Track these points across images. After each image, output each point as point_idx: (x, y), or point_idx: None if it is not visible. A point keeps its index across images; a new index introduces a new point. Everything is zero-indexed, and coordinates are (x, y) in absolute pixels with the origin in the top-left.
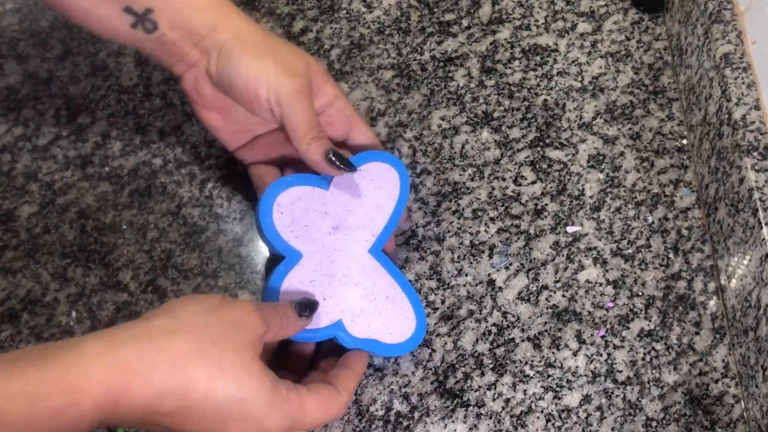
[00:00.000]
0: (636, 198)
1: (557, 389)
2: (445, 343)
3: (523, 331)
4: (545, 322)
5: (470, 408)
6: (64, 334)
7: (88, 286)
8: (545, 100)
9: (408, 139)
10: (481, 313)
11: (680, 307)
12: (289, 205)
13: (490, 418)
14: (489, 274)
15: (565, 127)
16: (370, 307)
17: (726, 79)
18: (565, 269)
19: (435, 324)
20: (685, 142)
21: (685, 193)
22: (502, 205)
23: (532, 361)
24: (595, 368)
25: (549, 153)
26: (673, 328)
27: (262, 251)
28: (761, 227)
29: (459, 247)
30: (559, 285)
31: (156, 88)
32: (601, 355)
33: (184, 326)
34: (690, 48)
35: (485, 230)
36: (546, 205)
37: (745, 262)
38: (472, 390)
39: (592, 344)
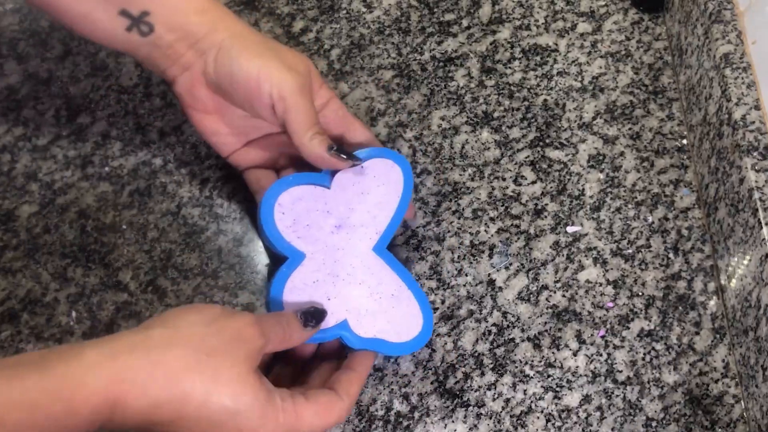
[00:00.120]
0: (636, 198)
1: (557, 389)
2: (445, 343)
3: (523, 331)
4: (545, 322)
5: (470, 408)
6: (64, 334)
7: (88, 286)
8: (545, 100)
9: (408, 139)
10: (481, 313)
11: (680, 307)
12: (291, 204)
13: (490, 418)
14: (489, 274)
15: (565, 127)
16: (376, 306)
17: (726, 79)
18: (565, 269)
19: (435, 324)
20: (685, 142)
21: (685, 193)
22: (502, 205)
23: (532, 361)
24: (595, 368)
25: (549, 153)
26: (673, 328)
27: (262, 251)
28: (761, 227)
29: (459, 247)
30: (559, 285)
31: (156, 88)
32: (601, 355)
33: (182, 338)
34: (690, 48)
35: (485, 230)
36: (546, 205)
37: (745, 262)
38: (472, 390)
39: (592, 344)
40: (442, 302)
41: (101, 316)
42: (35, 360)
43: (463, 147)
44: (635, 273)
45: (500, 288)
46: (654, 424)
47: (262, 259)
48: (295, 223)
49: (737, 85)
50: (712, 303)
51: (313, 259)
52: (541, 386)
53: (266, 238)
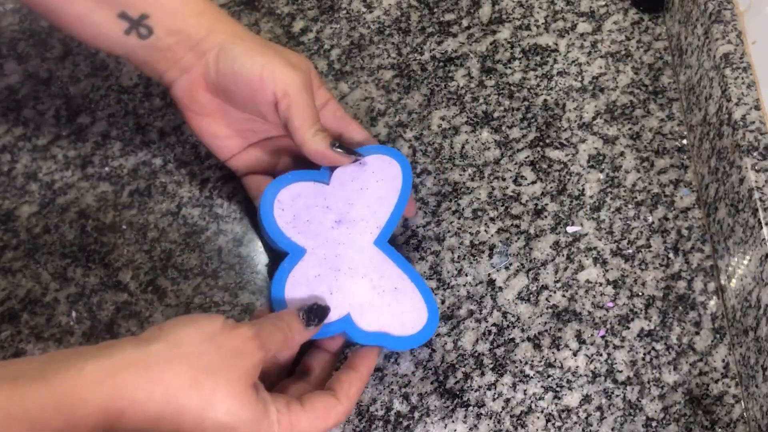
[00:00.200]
0: (636, 198)
1: (557, 389)
2: (445, 343)
3: (523, 331)
4: (545, 322)
5: (470, 408)
6: (64, 334)
7: (88, 286)
8: (545, 100)
9: (408, 139)
10: (481, 313)
11: (680, 307)
12: (290, 201)
13: (490, 418)
14: (489, 274)
15: (565, 127)
16: (379, 300)
17: (726, 79)
18: (565, 269)
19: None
20: (685, 142)
21: (685, 193)
22: (502, 205)
23: (532, 361)
24: (595, 368)
25: (549, 153)
26: (673, 328)
27: (262, 251)
28: (761, 227)
29: (459, 247)
30: (559, 285)
31: (156, 88)
32: (601, 355)
33: (181, 355)
34: (690, 48)
35: (485, 230)
36: (546, 205)
37: (745, 262)
38: (472, 390)
39: (592, 344)
40: (442, 302)
41: (101, 316)
42: (35, 373)
43: (463, 147)
44: (635, 273)
45: (500, 288)
46: (654, 424)
47: (262, 259)
48: (294, 219)
49: (737, 85)
50: (712, 303)
51: (314, 254)
52: (541, 386)
53: (266, 235)
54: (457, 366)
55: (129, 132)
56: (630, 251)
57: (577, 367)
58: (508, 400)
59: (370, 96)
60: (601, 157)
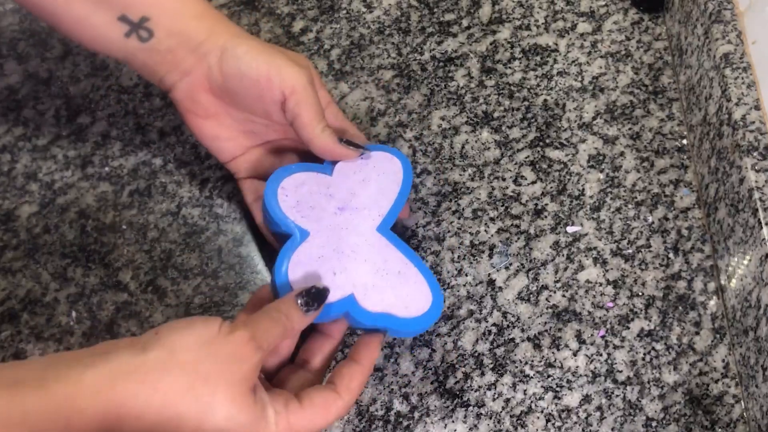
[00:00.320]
0: (636, 198)
1: (557, 389)
2: (445, 343)
3: (523, 331)
4: (545, 322)
5: (470, 408)
6: (64, 334)
7: (88, 286)
8: (545, 100)
9: (408, 139)
10: (481, 313)
11: (680, 307)
12: (294, 188)
13: (490, 418)
14: (489, 274)
15: (565, 127)
16: (383, 282)
17: (726, 79)
18: (565, 269)
19: (435, 324)
20: (685, 142)
21: (685, 193)
22: (502, 205)
23: (532, 361)
24: (595, 368)
25: (549, 153)
26: (673, 328)
27: (262, 251)
28: (761, 227)
29: (459, 247)
30: (559, 285)
31: (156, 88)
32: (601, 355)
33: (178, 363)
34: (690, 48)
35: (485, 230)
36: (546, 205)
37: (745, 262)
38: (472, 390)
39: (592, 344)
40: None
41: (101, 316)
42: (34, 379)
43: (463, 147)
44: (635, 273)
45: (500, 288)
46: (654, 424)
47: (261, 260)
48: (298, 204)
49: (737, 85)
50: (712, 303)
51: (317, 237)
52: (541, 386)
53: (270, 219)
54: (457, 366)
55: (129, 132)
56: (630, 251)
57: (577, 367)
58: (508, 400)
59: (370, 96)
60: (601, 157)
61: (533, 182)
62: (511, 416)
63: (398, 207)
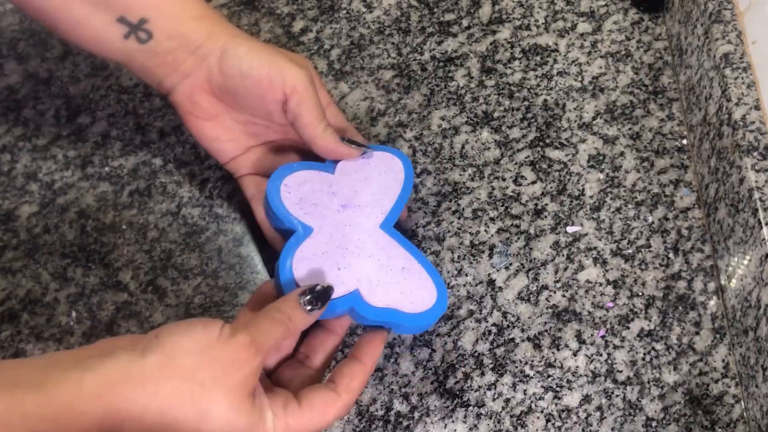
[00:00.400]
0: (636, 198)
1: (557, 389)
2: (445, 343)
3: (523, 331)
4: (545, 322)
5: (470, 408)
6: (64, 334)
7: (88, 286)
8: (545, 100)
9: (408, 139)
10: (481, 313)
11: (680, 307)
12: (297, 186)
13: (490, 418)
14: (489, 274)
15: (565, 127)
16: (387, 278)
17: (726, 79)
18: (565, 269)
19: (435, 324)
20: (685, 142)
21: (685, 193)
22: (502, 205)
23: (532, 361)
24: (595, 368)
25: (549, 153)
26: (673, 328)
27: (262, 251)
28: (761, 227)
29: (459, 247)
30: (559, 285)
31: None
32: (601, 355)
33: (177, 369)
34: (690, 48)
35: (485, 230)
36: (546, 205)
37: (745, 262)
38: (472, 390)
39: (592, 344)
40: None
41: (101, 316)
42: (34, 382)
43: (463, 147)
44: (635, 273)
45: (500, 288)
46: (654, 424)
47: (262, 259)
48: (301, 201)
49: (737, 85)
50: (712, 303)
51: (321, 233)
52: (541, 386)
53: (273, 215)
54: (457, 366)
55: (129, 132)
56: (630, 251)
57: (577, 367)
58: (508, 400)
59: (370, 96)
60: (601, 157)
61: (533, 182)
62: (511, 416)
63: (400, 205)
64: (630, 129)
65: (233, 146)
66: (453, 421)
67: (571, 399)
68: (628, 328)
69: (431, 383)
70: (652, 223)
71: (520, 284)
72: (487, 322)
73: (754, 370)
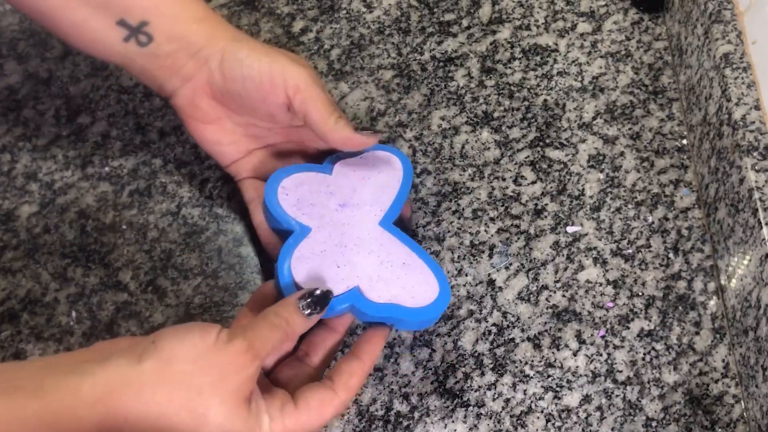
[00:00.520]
0: (636, 198)
1: (557, 389)
2: (445, 343)
3: (523, 331)
4: (545, 322)
5: (470, 408)
6: (64, 334)
7: (88, 286)
8: (545, 100)
9: (408, 139)
10: (481, 313)
11: (680, 307)
12: (294, 187)
13: (490, 418)
14: (489, 274)
15: (565, 127)
16: (388, 273)
17: (726, 79)
18: (565, 269)
19: (435, 324)
20: (685, 142)
21: (685, 193)
22: (502, 205)
23: (532, 361)
24: (595, 368)
25: (549, 153)
26: (673, 328)
27: (262, 251)
28: (761, 227)
29: (459, 247)
30: (559, 285)
31: None
32: (601, 355)
33: (173, 375)
34: (690, 48)
35: (485, 230)
36: (546, 205)
37: (745, 262)
38: (472, 390)
39: (592, 344)
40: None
41: (101, 316)
42: (32, 387)
43: (463, 147)
44: (635, 273)
45: (500, 288)
46: (654, 424)
47: (261, 260)
48: (299, 202)
49: (737, 85)
50: (712, 303)
51: (319, 232)
52: (541, 386)
53: (271, 217)
54: (457, 366)
55: (129, 132)
56: (630, 251)
57: (577, 367)
58: (508, 400)
59: (370, 96)
60: (601, 157)
61: (533, 182)
62: (511, 416)
63: (399, 203)
64: (630, 129)
65: (234, 149)
66: (453, 421)
67: (571, 399)
68: (628, 328)
69: (431, 383)
70: (652, 223)
71: (520, 284)
72: (487, 322)
73: (754, 370)
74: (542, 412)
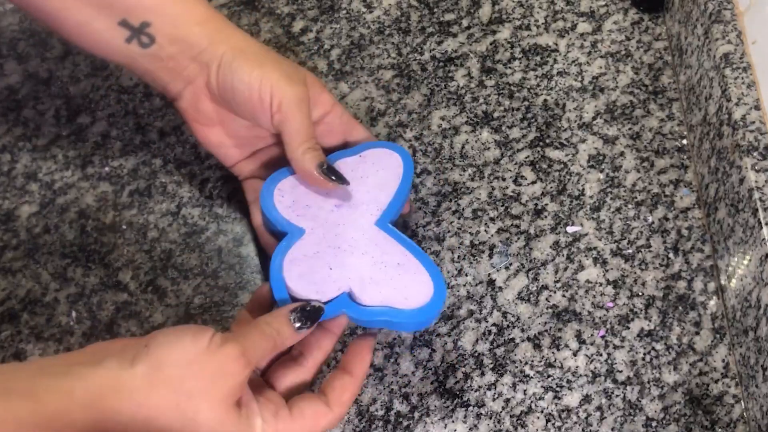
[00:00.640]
0: (636, 198)
1: (557, 389)
2: (445, 343)
3: (523, 331)
4: (545, 322)
5: (470, 408)
6: (64, 334)
7: (88, 286)
8: (545, 100)
9: (408, 139)
10: (481, 313)
11: (680, 307)
12: (290, 189)
13: (490, 418)
14: (489, 274)
15: (565, 127)
16: (381, 274)
17: (726, 79)
18: (565, 269)
19: (435, 324)
20: (685, 142)
21: (685, 193)
22: (502, 205)
23: (532, 361)
24: (595, 368)
25: (549, 153)
26: (673, 328)
27: (262, 251)
28: (761, 227)
29: (459, 247)
30: (559, 285)
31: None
32: (601, 355)
33: (164, 379)
34: (690, 48)
35: (485, 230)
36: (546, 205)
37: (745, 262)
38: (472, 390)
39: (592, 344)
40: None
41: (101, 316)
42: (26, 389)
43: (463, 147)
44: (635, 273)
45: (500, 288)
46: (654, 424)
47: (262, 259)
48: (294, 204)
49: (737, 85)
50: (712, 303)
51: (313, 234)
52: (541, 386)
53: (266, 219)
54: (457, 366)
55: (129, 132)
56: (630, 251)
57: (577, 367)
58: (508, 400)
59: (370, 96)
60: (601, 157)
61: (533, 182)
62: (511, 416)
63: (398, 201)
64: (630, 129)
65: (237, 151)
66: (453, 421)
67: (571, 399)
68: (628, 328)
69: (431, 383)
70: (652, 223)
71: (520, 284)
72: (487, 322)
73: (754, 370)
74: (542, 412)
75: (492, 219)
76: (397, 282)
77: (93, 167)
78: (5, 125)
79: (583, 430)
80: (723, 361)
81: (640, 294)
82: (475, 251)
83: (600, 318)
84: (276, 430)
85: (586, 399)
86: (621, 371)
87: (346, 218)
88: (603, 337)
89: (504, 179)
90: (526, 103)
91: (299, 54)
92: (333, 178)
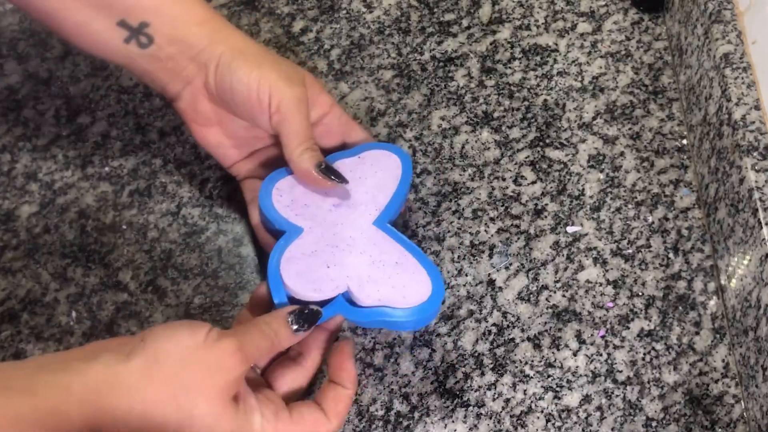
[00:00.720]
0: (636, 198)
1: (557, 389)
2: (445, 343)
3: (523, 331)
4: (545, 322)
5: (470, 408)
6: (64, 334)
7: (88, 286)
8: (545, 100)
9: (408, 139)
10: (481, 313)
11: (680, 307)
12: (289, 188)
13: (490, 418)
14: (489, 274)
15: (565, 127)
16: (379, 273)
17: (726, 79)
18: (565, 269)
19: (435, 324)
20: (685, 142)
21: (685, 193)
22: (502, 205)
23: (532, 361)
24: (595, 368)
25: (549, 153)
26: (673, 328)
27: (262, 251)
28: (761, 227)
29: (459, 247)
30: (559, 285)
31: None
32: (601, 355)
33: (159, 373)
34: (690, 48)
35: (485, 230)
36: (546, 205)
37: (745, 262)
38: (472, 390)
39: (592, 344)
40: (442, 302)
41: (101, 316)
42: (25, 386)
43: (463, 147)
44: (635, 273)
45: (500, 288)
46: (654, 424)
47: (260, 259)
48: (293, 203)
49: (737, 85)
50: (712, 303)
51: (311, 233)
52: (541, 386)
53: (265, 218)
54: (457, 366)
55: (129, 132)
56: (630, 251)
57: (577, 367)
58: (508, 400)
59: (370, 96)
60: (601, 157)
61: (533, 182)
62: (511, 416)
63: (397, 202)
64: (630, 129)
65: (236, 152)
66: (453, 421)
67: (571, 399)
68: (628, 328)
69: (431, 383)
70: (652, 223)
71: (520, 284)
72: (487, 322)
73: (754, 370)
74: (542, 412)
75: (492, 219)
76: (395, 281)
77: (93, 167)
78: (5, 125)
79: (583, 430)
80: (723, 361)
81: (640, 294)
82: (475, 251)
83: (600, 318)
84: (276, 430)
85: (586, 399)
86: (621, 371)
87: (344, 218)
88: (603, 337)
89: (504, 179)
90: (526, 103)
91: (299, 54)
92: (332, 177)
